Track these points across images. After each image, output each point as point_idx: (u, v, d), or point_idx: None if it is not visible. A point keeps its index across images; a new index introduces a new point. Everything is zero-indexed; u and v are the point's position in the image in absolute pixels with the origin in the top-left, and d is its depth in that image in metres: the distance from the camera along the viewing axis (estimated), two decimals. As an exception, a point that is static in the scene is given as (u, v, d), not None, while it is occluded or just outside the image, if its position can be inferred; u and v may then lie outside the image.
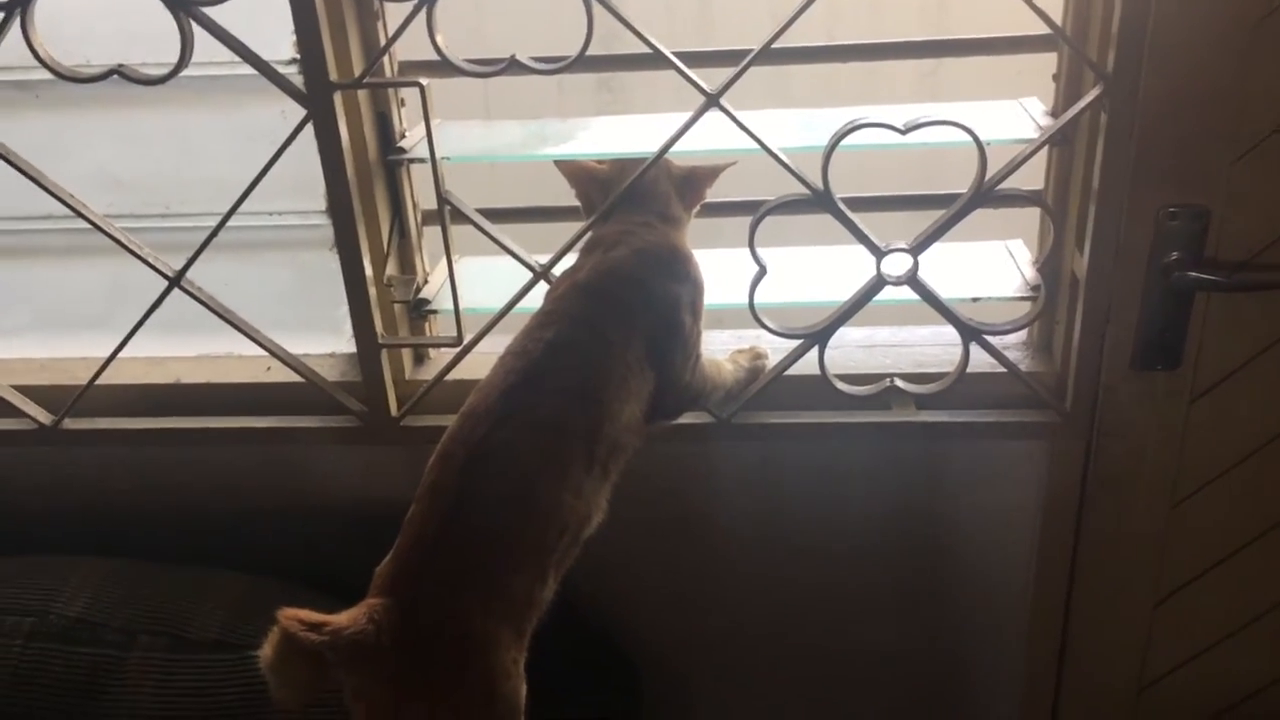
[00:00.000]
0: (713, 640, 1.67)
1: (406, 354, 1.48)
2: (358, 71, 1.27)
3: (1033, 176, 1.35)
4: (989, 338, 1.33)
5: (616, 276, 1.20)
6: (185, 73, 1.19)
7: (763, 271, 1.29)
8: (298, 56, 1.24)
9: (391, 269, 1.42)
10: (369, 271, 1.36)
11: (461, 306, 1.38)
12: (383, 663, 1.02)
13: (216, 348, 1.54)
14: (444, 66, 1.22)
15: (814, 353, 1.34)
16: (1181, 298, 1.29)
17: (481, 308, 1.39)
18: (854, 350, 1.49)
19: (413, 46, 1.26)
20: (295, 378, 1.42)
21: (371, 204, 1.36)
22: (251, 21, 1.21)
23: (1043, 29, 1.19)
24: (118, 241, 1.34)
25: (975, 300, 1.37)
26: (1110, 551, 1.48)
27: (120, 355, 1.41)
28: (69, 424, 1.47)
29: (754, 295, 1.30)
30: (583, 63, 1.20)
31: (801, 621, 1.64)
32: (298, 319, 1.50)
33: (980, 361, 1.35)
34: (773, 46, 1.20)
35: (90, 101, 1.39)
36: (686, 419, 1.34)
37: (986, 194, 1.24)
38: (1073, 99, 1.28)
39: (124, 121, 1.44)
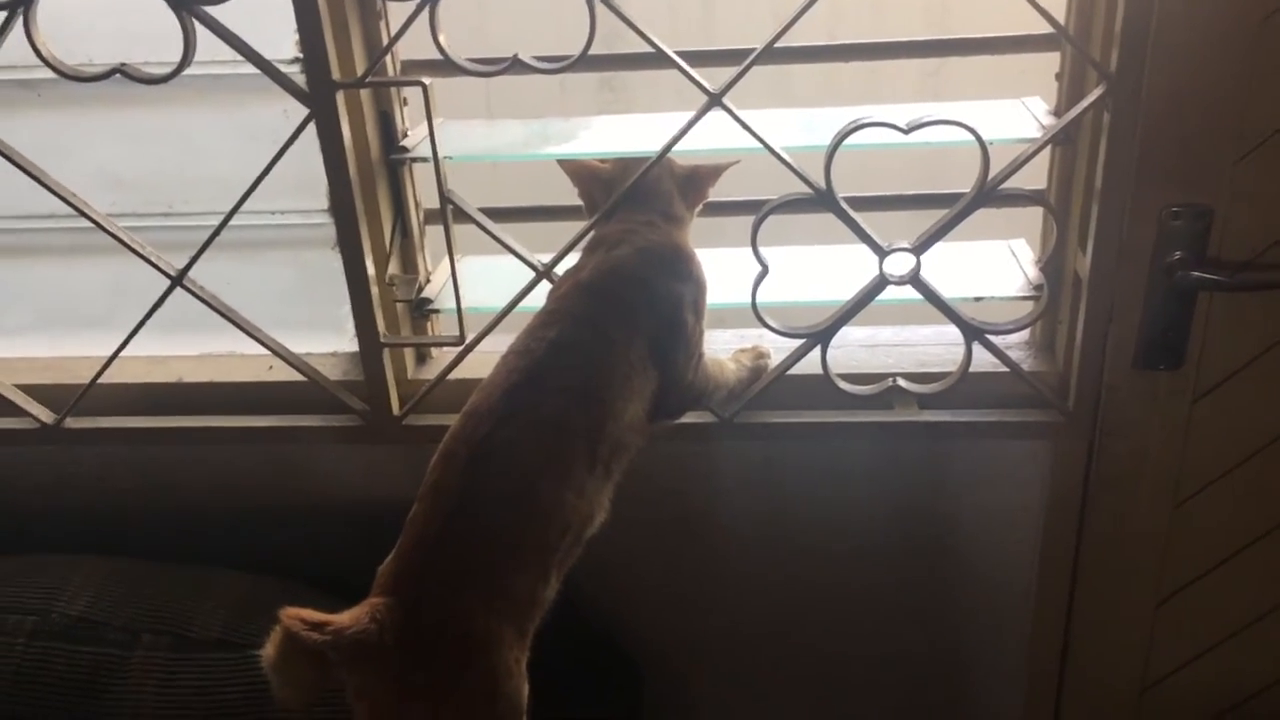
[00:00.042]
0: (714, 640, 1.67)
1: (409, 353, 1.48)
2: (360, 71, 1.27)
3: (1035, 176, 1.35)
4: (991, 337, 1.33)
5: (619, 275, 1.20)
6: (188, 72, 1.19)
7: (765, 271, 1.28)
8: (300, 56, 1.25)
9: (394, 268, 1.42)
10: (371, 270, 1.36)
11: (464, 306, 1.38)
12: (385, 662, 1.02)
13: (219, 347, 1.54)
14: (446, 66, 1.22)
15: (816, 352, 1.34)
16: (1184, 297, 1.29)
17: (484, 307, 1.39)
18: (856, 350, 1.49)
19: (415, 46, 1.26)
20: (297, 377, 1.42)
21: (374, 203, 1.36)
22: (254, 20, 1.21)
23: (1046, 28, 1.19)
24: (120, 240, 1.34)
25: (978, 300, 1.37)
26: (1113, 551, 1.48)
27: (122, 354, 1.41)
28: (71, 423, 1.47)
29: (756, 294, 1.30)
30: (585, 62, 1.20)
31: (803, 621, 1.64)
32: (300, 318, 1.50)
33: (983, 361, 1.35)
34: (775, 46, 1.20)
35: (93, 100, 1.39)
36: (689, 418, 1.34)
37: (989, 193, 1.24)
38: (1076, 98, 1.28)
39: (126, 120, 1.44)
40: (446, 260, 1.36)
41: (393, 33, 1.22)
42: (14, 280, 1.58)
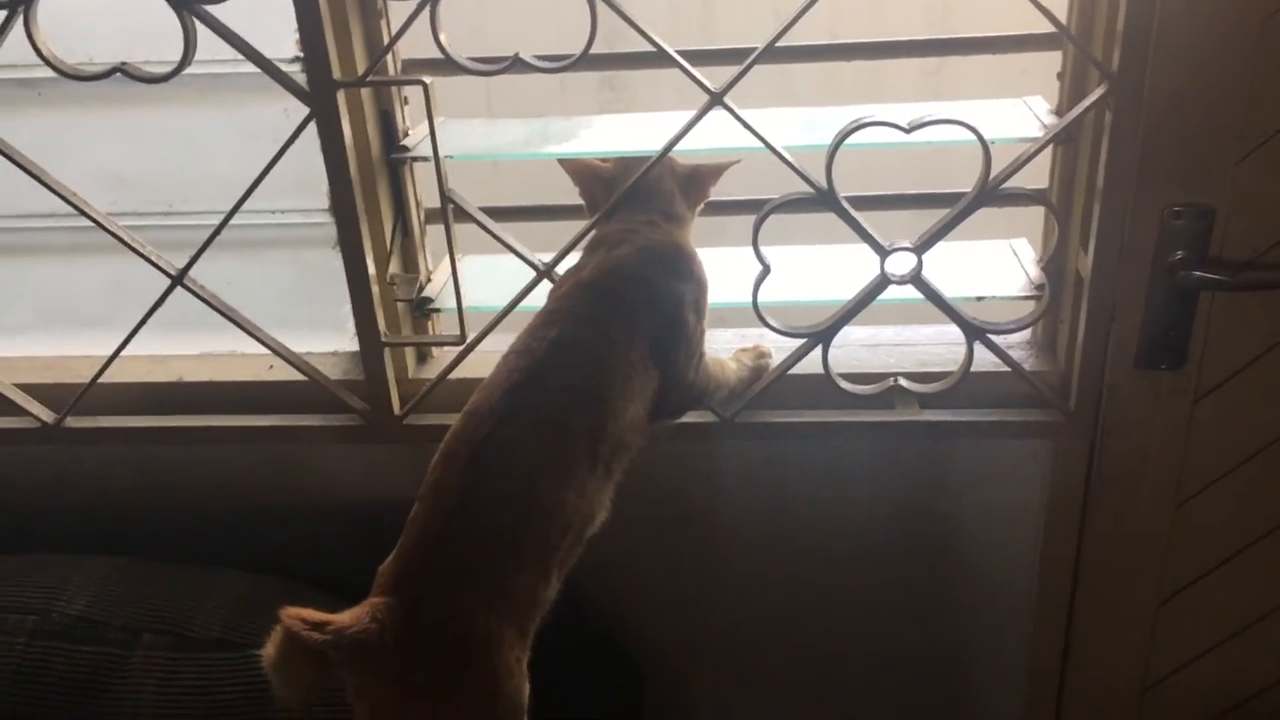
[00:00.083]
0: (715, 639, 1.67)
1: (409, 352, 1.48)
2: (361, 70, 1.27)
3: (1037, 175, 1.35)
4: (993, 337, 1.33)
5: (620, 275, 1.20)
6: (188, 71, 1.19)
7: (766, 270, 1.28)
8: (301, 55, 1.25)
9: (394, 267, 1.42)
10: (372, 270, 1.36)
11: (464, 305, 1.38)
12: (386, 662, 1.02)
13: (219, 346, 1.54)
14: (447, 65, 1.22)
15: (817, 351, 1.34)
16: (1186, 297, 1.29)
17: (484, 306, 1.39)
18: (858, 349, 1.49)
19: (416, 45, 1.26)
20: (298, 376, 1.42)
21: (374, 202, 1.36)
22: (254, 20, 1.21)
23: (1047, 27, 1.19)
24: (120, 240, 1.34)
25: (979, 299, 1.37)
26: (1114, 551, 1.48)
27: (123, 353, 1.41)
28: (71, 422, 1.47)
29: (758, 294, 1.29)
30: (586, 61, 1.20)
31: (804, 621, 1.64)
32: (300, 317, 1.50)
33: (984, 360, 1.35)
34: (776, 45, 1.20)
35: (93, 99, 1.39)
36: (690, 418, 1.34)
37: (991, 193, 1.24)
38: (1077, 98, 1.28)
39: (127, 119, 1.44)
40: (447, 259, 1.36)
41: (393, 32, 1.22)
42: (14, 279, 1.58)
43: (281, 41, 1.27)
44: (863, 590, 1.61)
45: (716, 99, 1.22)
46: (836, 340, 1.34)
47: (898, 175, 1.51)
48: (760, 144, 1.23)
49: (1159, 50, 1.16)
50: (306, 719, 1.26)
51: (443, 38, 1.19)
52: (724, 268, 1.32)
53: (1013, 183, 1.24)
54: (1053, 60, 1.34)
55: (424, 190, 1.44)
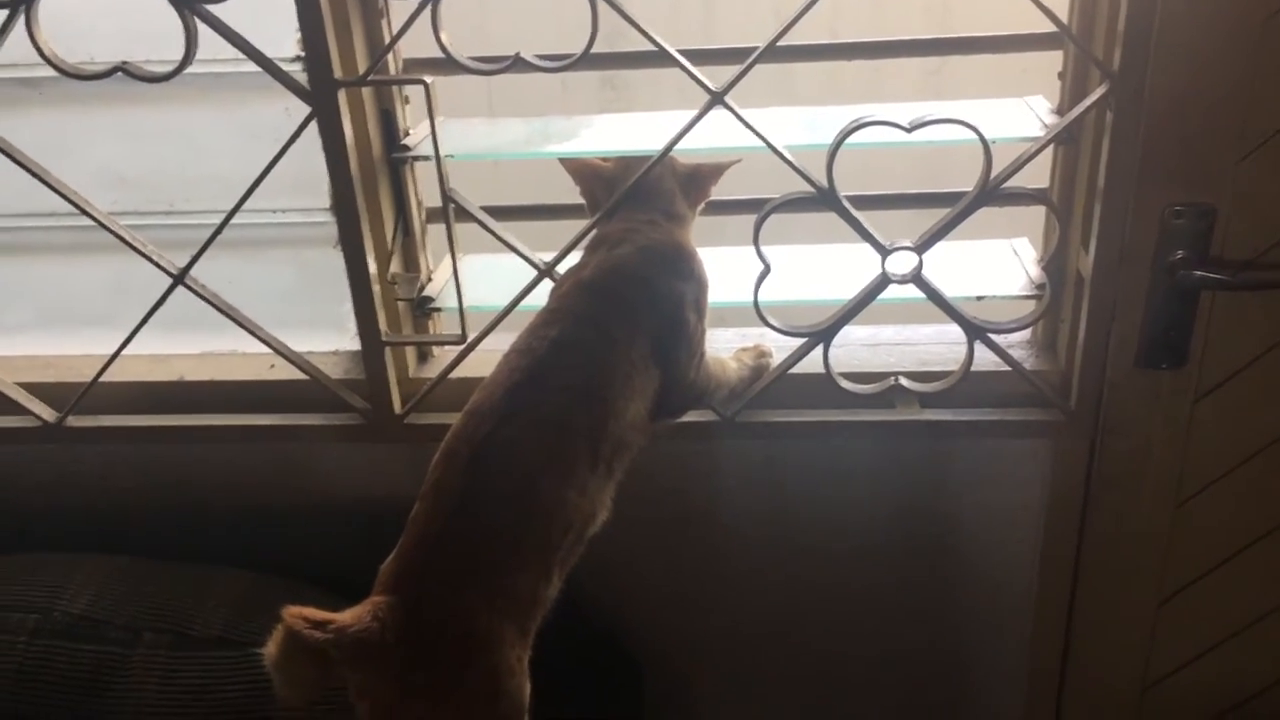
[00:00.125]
0: (715, 639, 1.67)
1: (410, 352, 1.48)
2: (362, 69, 1.27)
3: (1038, 175, 1.35)
4: (993, 336, 1.33)
5: (621, 274, 1.20)
6: (189, 70, 1.19)
7: (767, 269, 1.28)
8: (302, 54, 1.25)
9: (395, 267, 1.42)
10: (373, 269, 1.36)
11: (465, 304, 1.38)
12: (387, 660, 1.02)
13: (220, 345, 1.54)
14: (448, 64, 1.22)
15: (818, 351, 1.34)
16: (1186, 296, 1.29)
17: (485, 305, 1.39)
18: (858, 348, 1.49)
19: (417, 44, 1.26)
20: (299, 375, 1.42)
21: (375, 201, 1.36)
22: (256, 19, 1.21)
23: (1048, 27, 1.19)
24: (122, 239, 1.34)
25: (980, 299, 1.37)
26: (1114, 550, 1.48)
27: (124, 353, 1.41)
28: (73, 421, 1.47)
29: (758, 293, 1.30)
30: (587, 60, 1.20)
31: (804, 620, 1.64)
32: (301, 316, 1.50)
33: (985, 360, 1.35)
34: (777, 45, 1.20)
35: (94, 99, 1.39)
36: (690, 417, 1.34)
37: (992, 192, 1.24)
38: (1078, 97, 1.28)
39: (128, 119, 1.44)
40: (448, 259, 1.36)
41: (395, 31, 1.22)
42: (16, 278, 1.58)
43: (283, 41, 1.27)
44: (863, 590, 1.61)
45: (717, 98, 1.22)
46: (837, 340, 1.34)
47: (898, 175, 1.51)
48: (761, 143, 1.23)
49: (1160, 50, 1.16)
50: (308, 718, 1.27)
51: (444, 37, 1.19)
52: (725, 267, 1.32)
53: (1013, 182, 1.24)
54: (1054, 60, 1.34)
55: (425, 189, 1.44)
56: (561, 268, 1.30)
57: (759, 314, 1.31)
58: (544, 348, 1.14)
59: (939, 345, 1.48)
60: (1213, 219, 1.24)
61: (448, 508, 1.07)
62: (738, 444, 1.49)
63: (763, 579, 1.61)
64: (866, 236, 1.27)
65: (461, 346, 1.38)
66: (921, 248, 1.27)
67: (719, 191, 1.32)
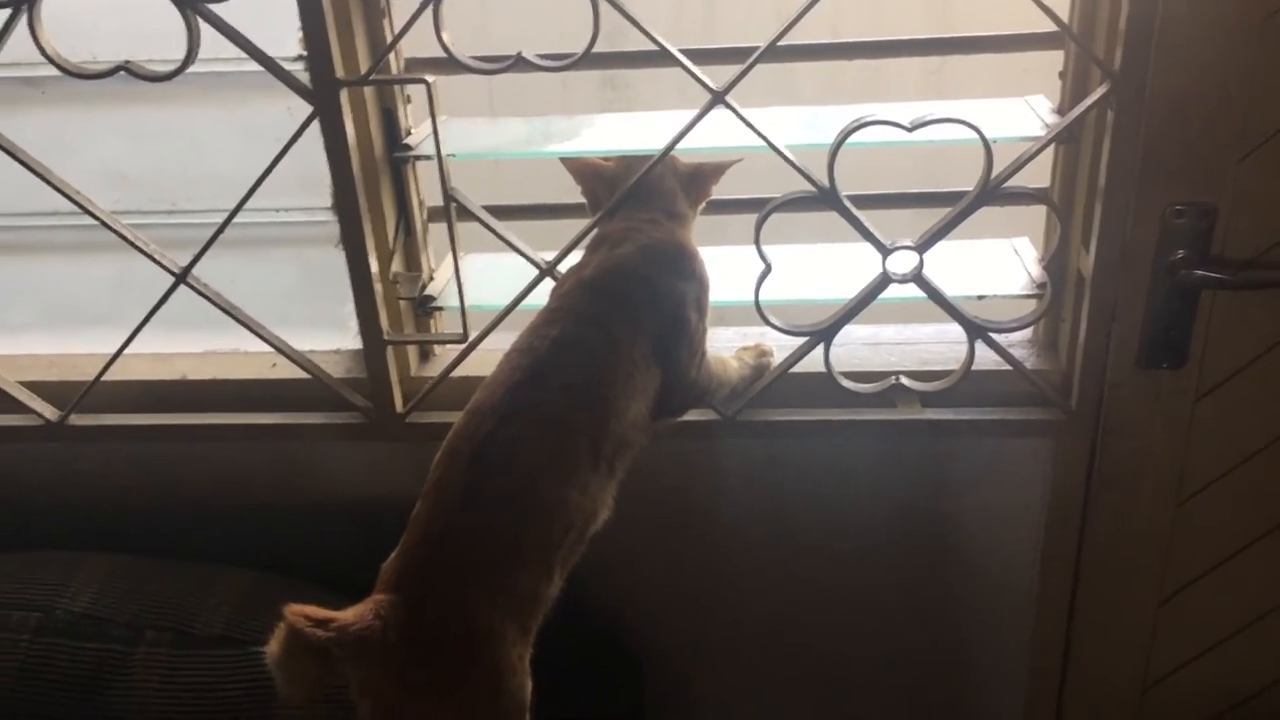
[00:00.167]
0: (716, 638, 1.67)
1: (412, 351, 1.48)
2: (364, 68, 1.27)
3: (1039, 174, 1.35)
4: (994, 335, 1.33)
5: (622, 273, 1.20)
6: (191, 69, 1.19)
7: (768, 269, 1.29)
8: (304, 53, 1.25)
9: (397, 266, 1.42)
10: (374, 268, 1.36)
11: (467, 303, 1.38)
12: (389, 659, 1.02)
13: (222, 344, 1.54)
14: (450, 63, 1.22)
15: (819, 350, 1.34)
16: (1187, 296, 1.29)
17: (487, 304, 1.39)
18: (859, 348, 1.49)
19: (419, 44, 1.26)
20: (301, 374, 1.43)
21: (377, 201, 1.36)
22: (258, 18, 1.21)
23: (1049, 26, 1.19)
24: (124, 238, 1.34)
25: (981, 298, 1.37)
26: (1115, 550, 1.48)
27: (126, 351, 1.41)
28: (75, 420, 1.47)
29: (759, 292, 1.30)
30: (589, 60, 1.20)
31: (805, 620, 1.64)
32: (303, 315, 1.50)
33: (985, 359, 1.35)
34: (778, 44, 1.20)
35: (97, 98, 1.39)
36: (692, 416, 1.34)
37: (993, 191, 1.24)
38: (1079, 97, 1.28)
39: (130, 118, 1.45)
40: (450, 258, 1.37)
41: (396, 30, 1.22)
42: (18, 277, 1.58)
43: (285, 40, 1.27)
44: (864, 589, 1.61)
45: (719, 98, 1.22)
46: (838, 339, 1.34)
47: (899, 174, 1.51)
48: (762, 143, 1.24)
49: (1161, 49, 1.16)
50: (310, 716, 1.27)
51: (445, 36, 1.19)
52: (726, 266, 1.32)
53: (1014, 181, 1.24)
54: (1054, 59, 1.34)
55: (426, 189, 1.44)
56: (563, 267, 1.30)
57: (760, 313, 1.31)
58: (545, 347, 1.14)
59: (940, 344, 1.48)
60: (1214, 218, 1.24)
61: (450, 506, 1.07)
62: (739, 443, 1.49)
63: (764, 578, 1.61)
64: (867, 236, 1.27)
65: (463, 345, 1.38)
66: (922, 247, 1.28)
67: (720, 191, 1.32)
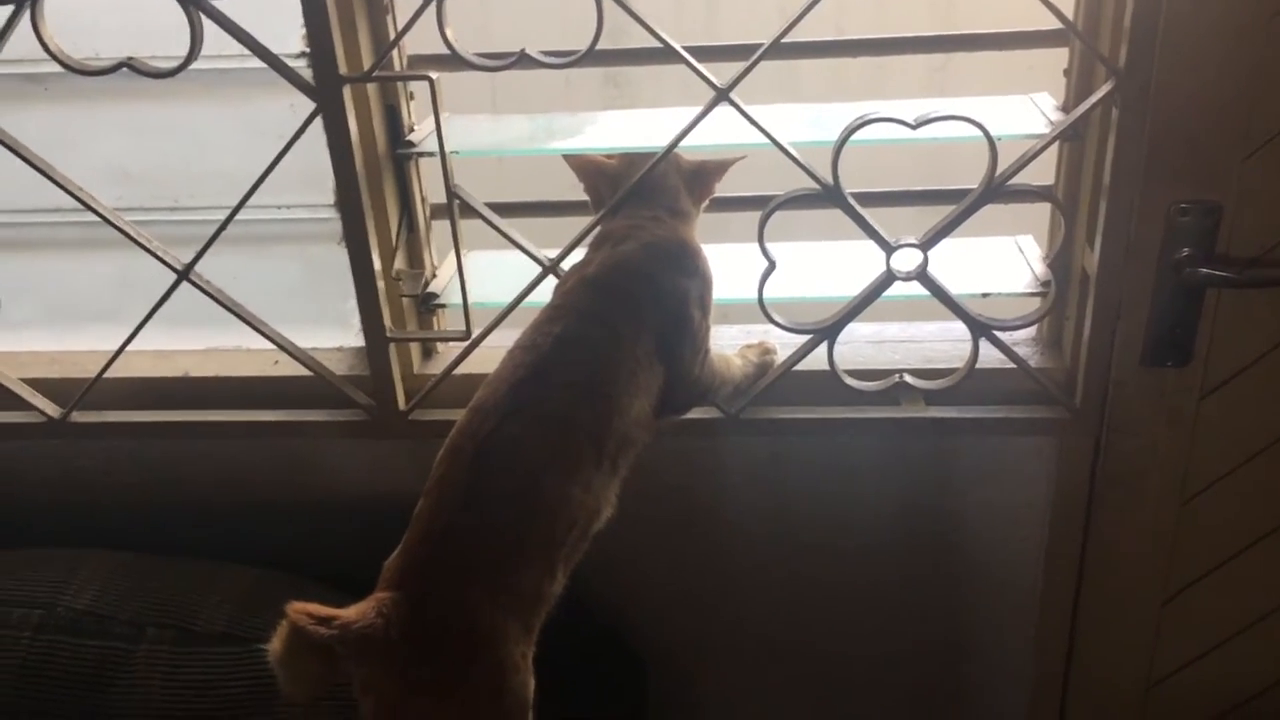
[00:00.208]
0: (719, 636, 1.67)
1: (414, 348, 1.48)
2: (367, 65, 1.27)
3: (1043, 172, 1.35)
4: (999, 333, 1.33)
5: (625, 271, 1.20)
6: (194, 66, 1.19)
7: (772, 266, 1.28)
8: (307, 50, 1.24)
9: (400, 263, 1.42)
10: (377, 265, 1.36)
11: (470, 301, 1.38)
12: (391, 656, 1.02)
13: (225, 341, 1.54)
14: (453, 60, 1.22)
15: (823, 348, 1.34)
16: (1192, 294, 1.29)
17: (490, 302, 1.39)
18: (863, 346, 1.48)
19: (421, 40, 1.26)
20: (303, 371, 1.42)
21: (380, 198, 1.36)
22: (261, 15, 1.21)
23: (1054, 24, 1.19)
24: (126, 234, 1.34)
25: (985, 296, 1.37)
26: (1119, 548, 1.48)
27: (129, 348, 1.41)
28: (77, 417, 1.47)
29: (763, 290, 1.29)
30: (593, 57, 1.20)
31: (808, 618, 1.64)
32: (306, 313, 1.50)
33: (990, 357, 1.35)
34: (782, 41, 1.20)
35: (99, 94, 1.39)
36: (695, 414, 1.34)
37: (997, 189, 1.24)
38: (1084, 94, 1.28)
39: (133, 114, 1.45)
40: (452, 255, 1.36)
41: (399, 27, 1.22)
42: (20, 274, 1.58)
43: (288, 37, 1.27)
44: (867, 587, 1.61)
45: (722, 95, 1.21)
46: (842, 336, 1.34)
47: (903, 172, 1.51)
48: (766, 140, 1.23)
49: (1166, 47, 1.16)
50: (312, 714, 1.27)
51: (449, 32, 1.19)
52: (729, 263, 1.32)
53: (1019, 179, 1.24)
54: (1059, 57, 1.34)
55: (429, 186, 1.44)
56: (566, 264, 1.30)
57: (763, 311, 1.31)
58: (548, 344, 1.14)
59: (944, 342, 1.48)
60: (1218, 216, 1.24)
61: (452, 504, 1.07)
62: (742, 441, 1.49)
63: (766, 576, 1.61)
64: (871, 233, 1.27)
65: (466, 343, 1.38)
66: (926, 245, 1.27)
67: (723, 188, 1.32)
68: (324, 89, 1.24)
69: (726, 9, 2.24)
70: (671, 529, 1.57)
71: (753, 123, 1.22)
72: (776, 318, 1.31)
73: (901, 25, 2.09)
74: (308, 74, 1.24)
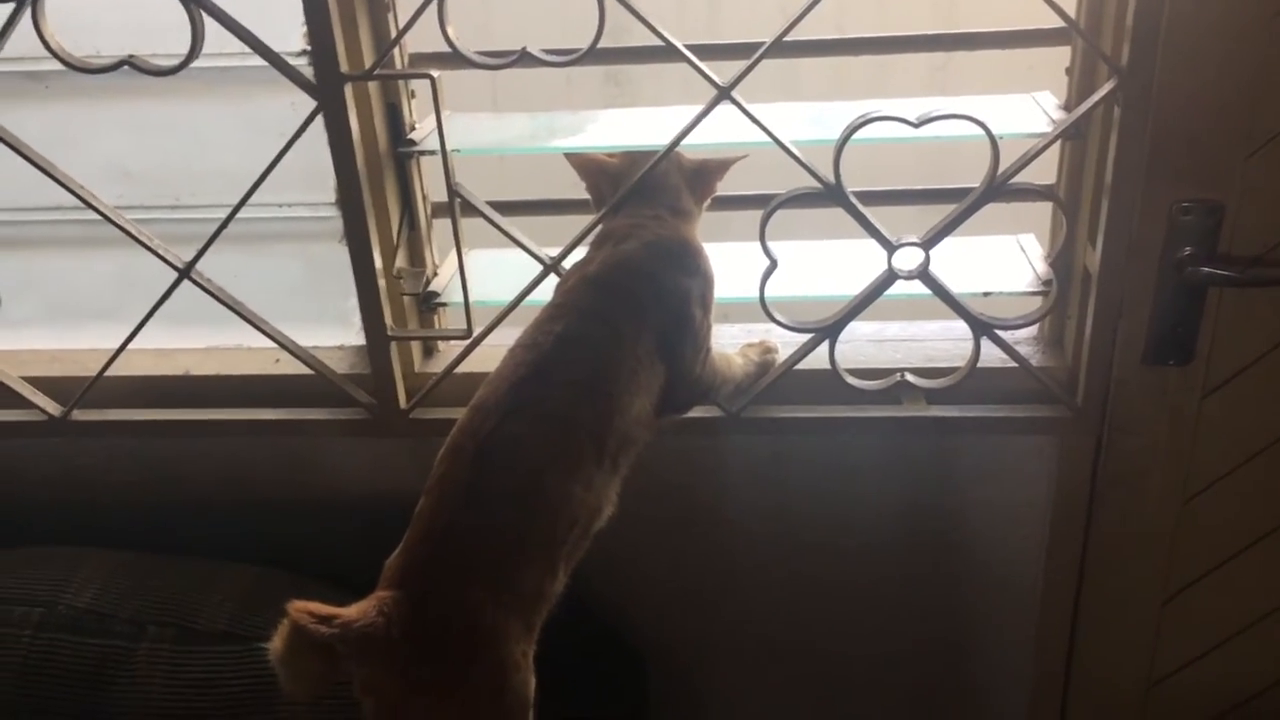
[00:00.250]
0: (720, 635, 1.67)
1: (416, 347, 1.48)
2: (368, 63, 1.27)
3: (1045, 171, 1.35)
4: (1000, 332, 1.33)
5: (627, 270, 1.20)
6: (195, 64, 1.19)
7: (773, 265, 1.28)
8: (308, 48, 1.24)
9: (401, 261, 1.42)
10: (378, 264, 1.36)
11: (471, 299, 1.37)
12: (392, 655, 1.02)
13: (225, 340, 1.54)
14: (455, 58, 1.21)
15: (824, 347, 1.34)
16: (1194, 293, 1.29)
17: (491, 300, 1.39)
18: (864, 344, 1.48)
19: (423, 39, 1.26)
20: (304, 370, 1.42)
21: (381, 196, 1.35)
22: (262, 13, 1.21)
23: (1056, 22, 1.19)
24: (127, 233, 1.34)
25: (986, 295, 1.37)
26: (1120, 548, 1.48)
27: (129, 347, 1.41)
28: (78, 415, 1.47)
29: (764, 289, 1.29)
30: (594, 55, 1.19)
31: (809, 617, 1.64)
32: (307, 311, 1.50)
33: (991, 356, 1.35)
34: (783, 40, 1.19)
35: (100, 92, 1.39)
36: (696, 413, 1.33)
37: (999, 188, 1.24)
38: (1086, 93, 1.27)
39: (134, 112, 1.44)
40: (454, 253, 1.36)
41: (401, 25, 1.22)
42: (21, 272, 1.58)
43: (289, 35, 1.27)
44: (868, 586, 1.61)
45: (724, 93, 1.21)
46: (843, 335, 1.34)
47: (905, 170, 1.51)
48: (767, 139, 1.23)
49: (1168, 46, 1.16)
50: (313, 712, 1.27)
51: (450, 31, 1.18)
52: (731, 262, 1.32)
53: (1021, 178, 1.24)
54: (1061, 55, 1.34)
55: (430, 184, 1.44)
56: (567, 263, 1.30)
57: (765, 309, 1.31)
58: (549, 343, 1.14)
59: (945, 341, 1.48)
60: (1221, 215, 1.24)
61: (453, 503, 1.07)
62: (743, 439, 1.49)
63: (767, 575, 1.61)
64: (873, 232, 1.27)
65: (467, 341, 1.38)
66: (928, 244, 1.27)
67: (725, 186, 1.32)
68: (325, 87, 1.24)
69: (728, 8, 2.24)
70: (672, 528, 1.57)
71: (755, 121, 1.22)
72: (778, 316, 1.31)
73: (903, 24, 2.09)
74: (309, 72, 1.24)
